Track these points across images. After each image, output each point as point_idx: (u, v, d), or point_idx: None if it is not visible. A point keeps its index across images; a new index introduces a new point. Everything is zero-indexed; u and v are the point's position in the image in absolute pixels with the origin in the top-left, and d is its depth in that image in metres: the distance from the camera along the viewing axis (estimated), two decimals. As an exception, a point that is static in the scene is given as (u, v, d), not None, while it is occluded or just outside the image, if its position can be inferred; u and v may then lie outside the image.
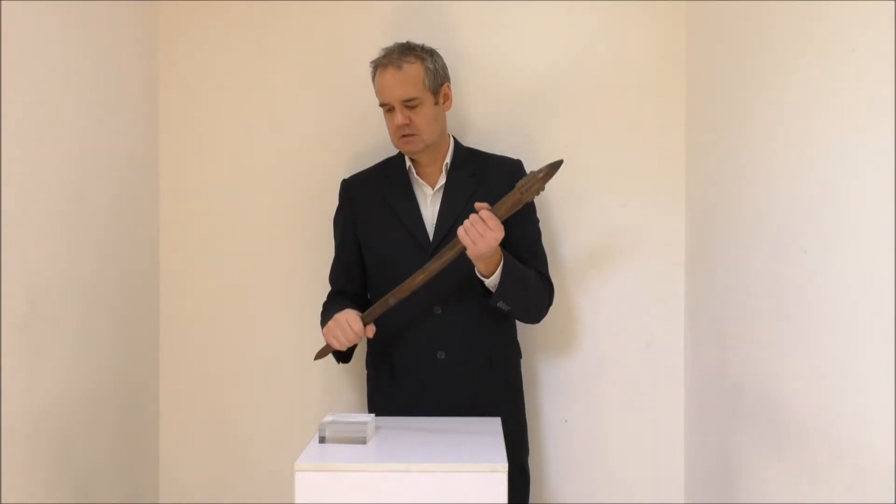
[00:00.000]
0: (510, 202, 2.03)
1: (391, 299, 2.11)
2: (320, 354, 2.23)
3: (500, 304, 2.14)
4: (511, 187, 2.29)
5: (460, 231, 2.02)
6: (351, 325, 2.10)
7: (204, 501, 2.60)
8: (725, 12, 2.19)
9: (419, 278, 2.08)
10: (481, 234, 2.00)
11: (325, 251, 2.41)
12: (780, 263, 1.81)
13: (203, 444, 2.61)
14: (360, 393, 2.52)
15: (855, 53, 1.49)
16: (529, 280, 2.18)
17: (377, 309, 2.13)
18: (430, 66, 2.22)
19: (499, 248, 2.06)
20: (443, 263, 2.06)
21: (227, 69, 2.60)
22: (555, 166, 2.03)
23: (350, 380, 2.55)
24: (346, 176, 2.40)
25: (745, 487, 2.03)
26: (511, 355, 2.36)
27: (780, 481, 1.82)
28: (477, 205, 2.04)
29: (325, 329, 2.16)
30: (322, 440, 1.87)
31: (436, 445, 1.88)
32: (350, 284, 2.35)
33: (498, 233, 2.01)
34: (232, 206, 2.60)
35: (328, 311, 2.23)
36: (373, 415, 1.98)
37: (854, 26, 1.50)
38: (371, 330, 2.14)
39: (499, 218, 2.02)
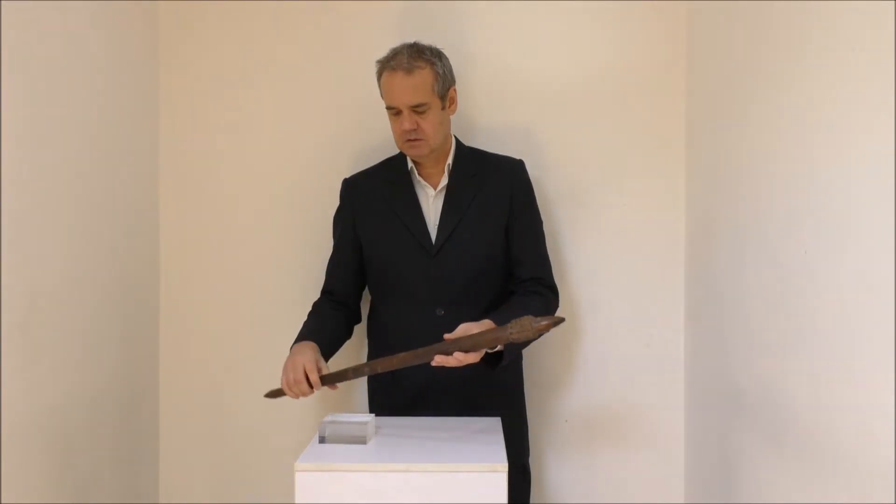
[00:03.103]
0: (493, 338, 1.90)
1: (350, 373, 2.03)
2: (272, 394, 2.12)
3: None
4: (512, 187, 2.28)
5: (433, 363, 1.91)
6: (309, 376, 2.01)
7: (204, 501, 2.60)
8: (725, 13, 2.19)
9: (379, 365, 2.00)
10: (460, 363, 1.92)
11: (325, 252, 2.41)
12: (780, 263, 1.81)
13: (203, 444, 2.61)
14: (360, 393, 2.52)
15: (855, 53, 1.49)
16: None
17: (342, 374, 2.04)
18: (440, 71, 2.18)
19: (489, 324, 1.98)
20: (413, 360, 1.95)
21: (227, 69, 2.59)
22: (557, 322, 1.86)
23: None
24: (348, 175, 2.40)
25: (746, 487, 2.03)
26: (512, 357, 2.36)
27: (781, 481, 1.82)
28: (446, 336, 1.93)
29: (284, 368, 2.05)
30: (322, 440, 1.87)
31: (436, 445, 1.88)
32: (341, 285, 2.34)
33: (476, 357, 1.92)
34: (232, 206, 2.60)
35: (304, 329, 2.20)
36: (373, 415, 1.98)
37: (854, 26, 1.50)
38: (317, 387, 2.02)
39: (473, 348, 1.90)
